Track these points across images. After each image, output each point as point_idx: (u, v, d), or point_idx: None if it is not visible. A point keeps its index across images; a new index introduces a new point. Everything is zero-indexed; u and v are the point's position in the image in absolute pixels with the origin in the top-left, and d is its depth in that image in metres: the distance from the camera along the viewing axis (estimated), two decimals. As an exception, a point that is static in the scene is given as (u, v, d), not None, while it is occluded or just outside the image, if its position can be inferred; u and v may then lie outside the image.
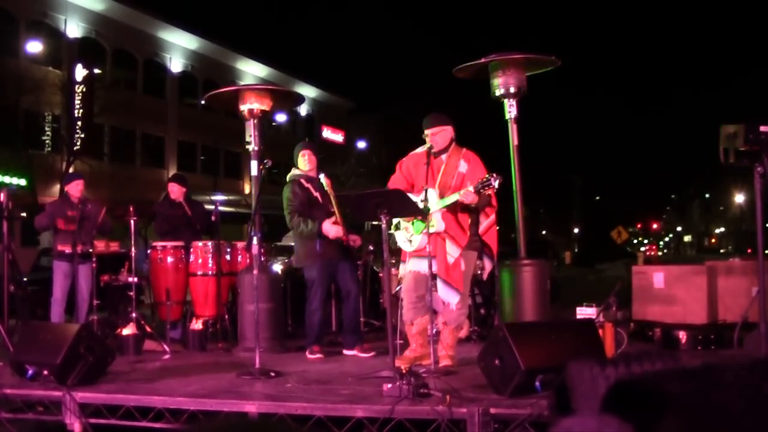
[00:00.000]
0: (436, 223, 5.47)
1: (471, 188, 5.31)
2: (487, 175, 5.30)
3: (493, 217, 5.68)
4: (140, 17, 28.89)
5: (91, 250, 7.17)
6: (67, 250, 7.19)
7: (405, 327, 5.83)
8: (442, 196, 5.52)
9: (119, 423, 4.61)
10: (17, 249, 8.06)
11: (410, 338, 5.77)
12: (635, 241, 76.41)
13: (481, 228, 5.68)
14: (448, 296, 5.50)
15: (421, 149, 5.82)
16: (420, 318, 5.65)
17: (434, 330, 6.49)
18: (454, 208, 5.52)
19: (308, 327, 6.46)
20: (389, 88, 53.37)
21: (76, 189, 7.64)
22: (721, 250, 66.01)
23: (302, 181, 6.50)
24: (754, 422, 1.55)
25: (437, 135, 5.66)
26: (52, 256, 7.74)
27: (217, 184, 32.05)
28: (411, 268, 5.68)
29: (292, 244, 7.32)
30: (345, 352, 6.45)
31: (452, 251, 5.51)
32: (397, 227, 5.74)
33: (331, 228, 6.28)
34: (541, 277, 6.14)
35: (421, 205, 5.32)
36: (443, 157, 5.70)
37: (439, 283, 5.50)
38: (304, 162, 6.55)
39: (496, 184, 5.25)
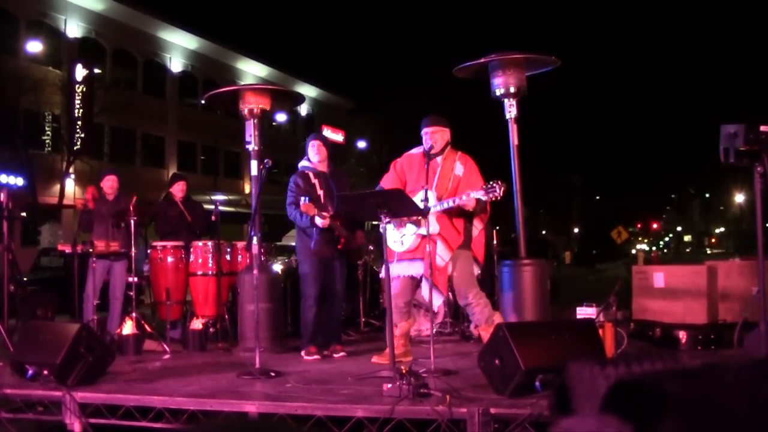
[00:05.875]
0: (432, 225, 5.48)
1: (473, 194, 5.30)
2: (491, 182, 5.25)
3: (482, 225, 5.73)
4: (140, 17, 28.88)
5: (91, 250, 7.14)
6: (67, 249, 7.16)
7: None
8: (439, 198, 5.53)
9: (119, 423, 4.61)
10: (17, 249, 8.05)
11: (394, 339, 5.73)
12: (635, 241, 76.45)
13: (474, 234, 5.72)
14: (434, 298, 5.51)
15: (416, 150, 5.83)
16: (404, 322, 5.82)
17: (434, 330, 6.49)
18: (450, 211, 5.53)
19: (303, 324, 6.39)
20: (389, 88, 53.25)
21: (109, 186, 7.61)
22: (713, 250, 66.01)
23: (310, 174, 6.43)
24: (754, 422, 1.55)
25: (436, 134, 5.69)
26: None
27: (217, 184, 32.05)
28: (400, 272, 5.66)
29: (293, 243, 7.27)
30: (324, 353, 6.30)
31: (443, 254, 5.51)
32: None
33: (320, 220, 6.10)
34: (541, 277, 6.15)
35: (421, 206, 5.32)
36: (438, 159, 5.72)
37: (425, 285, 5.52)
38: (313, 152, 6.47)
39: (500, 192, 5.22)
